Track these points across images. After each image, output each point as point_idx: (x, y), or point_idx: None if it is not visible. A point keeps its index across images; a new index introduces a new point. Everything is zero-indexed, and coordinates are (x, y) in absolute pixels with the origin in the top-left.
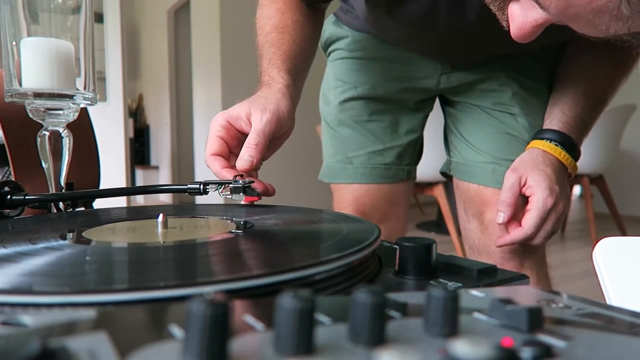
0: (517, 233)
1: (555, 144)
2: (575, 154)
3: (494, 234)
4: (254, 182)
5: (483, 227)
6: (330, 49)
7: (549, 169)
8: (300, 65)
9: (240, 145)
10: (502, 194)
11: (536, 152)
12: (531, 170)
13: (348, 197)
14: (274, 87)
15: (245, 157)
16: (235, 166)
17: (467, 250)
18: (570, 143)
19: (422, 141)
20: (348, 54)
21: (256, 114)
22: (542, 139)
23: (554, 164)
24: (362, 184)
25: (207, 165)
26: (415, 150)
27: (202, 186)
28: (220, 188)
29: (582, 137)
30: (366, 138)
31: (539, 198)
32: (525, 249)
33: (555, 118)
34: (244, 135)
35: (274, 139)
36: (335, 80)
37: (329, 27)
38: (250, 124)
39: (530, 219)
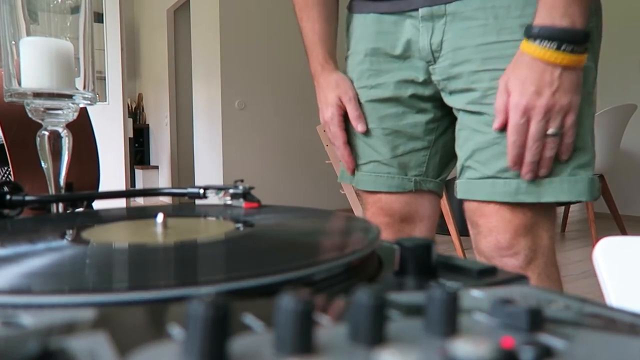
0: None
1: (528, 40)
2: (559, 38)
3: (488, 236)
4: (254, 188)
5: (476, 232)
6: None
7: (523, 70)
8: (328, 32)
9: None
10: (496, 101)
11: (517, 54)
12: (510, 74)
13: (367, 200)
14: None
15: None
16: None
17: (476, 256)
18: (545, 31)
19: (432, 153)
20: (347, 53)
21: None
22: (524, 38)
23: (528, 63)
24: (369, 191)
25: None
26: (425, 161)
27: (202, 191)
28: (220, 193)
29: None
30: (371, 148)
31: (511, 102)
32: (527, 256)
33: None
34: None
35: None
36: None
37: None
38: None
39: (510, 124)
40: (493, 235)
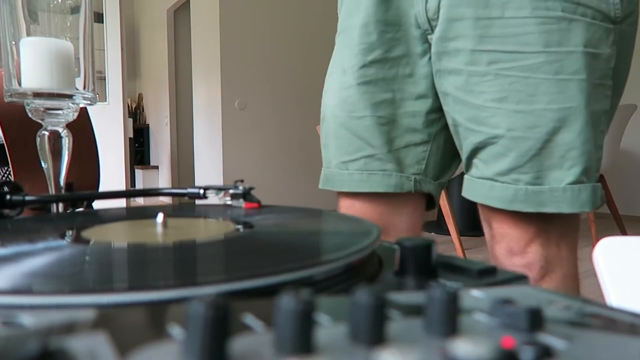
0: None
1: None
2: None
3: (501, 242)
4: (254, 188)
5: (491, 235)
6: None
7: None
8: None
9: None
10: None
11: None
12: None
13: (340, 203)
14: None
15: None
16: None
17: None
18: None
19: (433, 149)
20: (338, 31)
21: None
22: None
23: None
24: (360, 193)
25: None
26: (424, 157)
27: (202, 191)
28: (220, 193)
29: None
30: (362, 141)
31: None
32: (546, 264)
33: None
34: None
35: None
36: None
37: None
38: None
39: None
40: (506, 241)
